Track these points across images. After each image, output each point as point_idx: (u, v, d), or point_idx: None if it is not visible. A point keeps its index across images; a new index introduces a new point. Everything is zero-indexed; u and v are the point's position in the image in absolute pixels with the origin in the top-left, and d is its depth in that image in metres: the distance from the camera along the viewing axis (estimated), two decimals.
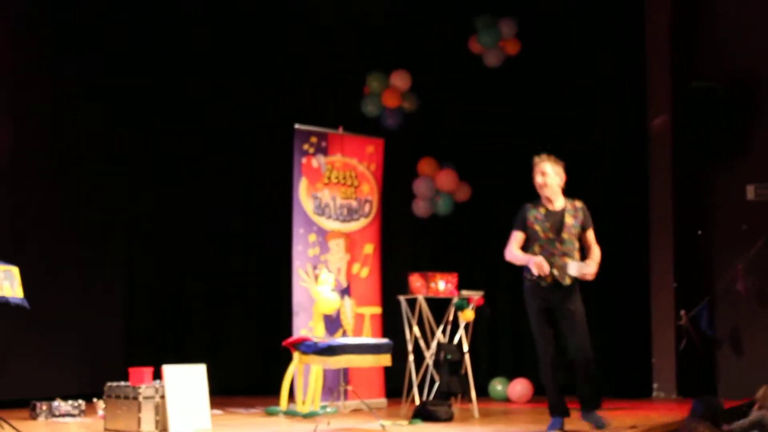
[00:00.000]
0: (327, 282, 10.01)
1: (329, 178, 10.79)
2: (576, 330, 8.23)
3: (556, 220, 8.24)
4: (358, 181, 11.04)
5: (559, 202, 8.32)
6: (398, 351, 9.51)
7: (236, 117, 12.23)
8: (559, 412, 8.41)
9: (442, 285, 10.11)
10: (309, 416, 9.50)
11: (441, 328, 10.17)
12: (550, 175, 8.26)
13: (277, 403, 9.94)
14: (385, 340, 9.27)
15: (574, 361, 8.33)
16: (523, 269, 8.30)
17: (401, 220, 12.08)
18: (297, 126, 10.62)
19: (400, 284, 10.42)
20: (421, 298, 10.11)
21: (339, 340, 9.23)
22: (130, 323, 11.68)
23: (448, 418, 9.35)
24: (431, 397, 10.00)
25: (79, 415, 9.59)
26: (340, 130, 10.92)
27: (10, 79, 10.54)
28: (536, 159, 8.35)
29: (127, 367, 8.95)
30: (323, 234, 10.64)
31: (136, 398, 8.47)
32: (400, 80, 12.10)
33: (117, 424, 8.55)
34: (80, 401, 9.69)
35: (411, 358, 10.13)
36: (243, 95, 12.24)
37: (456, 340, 10.14)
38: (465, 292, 10.11)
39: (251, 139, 12.31)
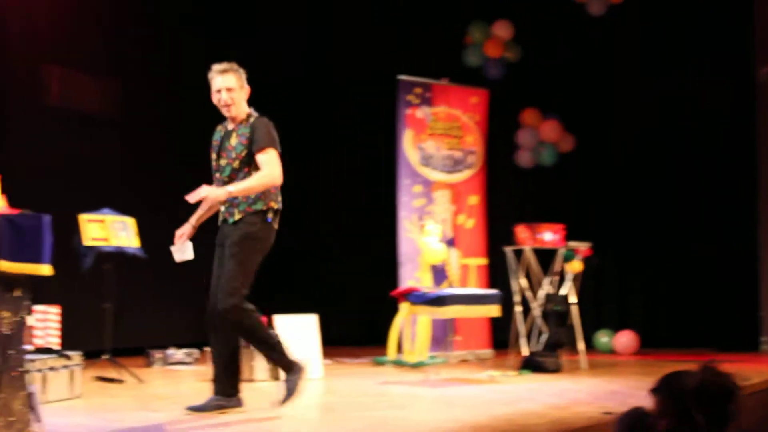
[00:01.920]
0: (433, 233, 10.03)
1: (434, 128, 10.78)
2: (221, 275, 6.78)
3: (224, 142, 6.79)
4: (463, 132, 11.02)
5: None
6: (504, 302, 9.49)
7: (339, 69, 12.25)
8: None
9: (549, 236, 10.05)
10: (417, 366, 9.56)
11: (548, 279, 10.13)
12: (235, 89, 6.68)
13: (384, 353, 10.02)
14: (493, 291, 9.26)
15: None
16: None
17: (505, 171, 12.02)
18: (401, 77, 10.62)
19: (505, 235, 10.40)
20: (527, 249, 10.08)
21: (448, 290, 9.24)
22: None
23: (557, 369, 9.35)
24: (538, 348, 9.99)
25: (192, 363, 9.78)
26: (445, 81, 10.89)
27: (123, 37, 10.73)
28: (212, 70, 6.72)
29: None
30: (428, 185, 10.65)
31: (248, 347, 8.58)
32: (503, 30, 12.00)
33: None
34: (193, 349, 9.88)
35: (517, 309, 10.12)
36: (346, 47, 12.24)
37: (563, 291, 10.10)
38: (572, 243, 10.04)
39: (355, 91, 12.31)
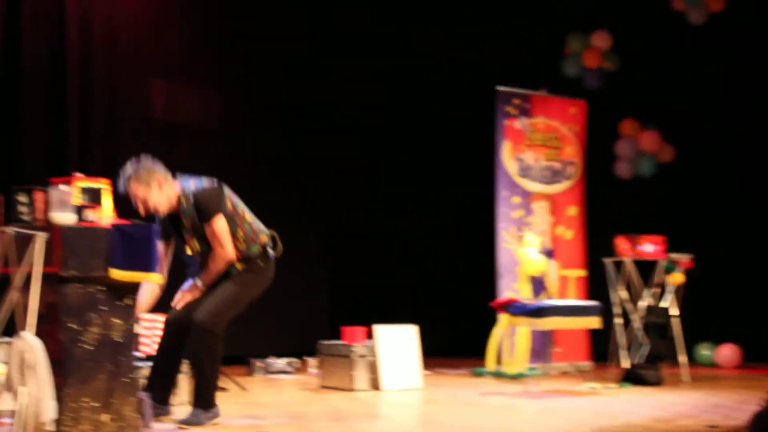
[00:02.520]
0: (532, 244, 10.00)
1: (532, 139, 10.76)
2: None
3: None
4: (561, 142, 10.98)
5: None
6: (603, 314, 9.41)
7: (438, 81, 12.28)
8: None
9: (650, 247, 9.96)
10: (517, 377, 9.54)
11: (649, 291, 10.01)
12: (149, 195, 6.52)
13: (483, 364, 10.01)
14: (594, 303, 9.19)
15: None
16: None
17: (604, 182, 11.92)
18: (499, 88, 10.62)
19: (604, 247, 10.32)
20: (628, 260, 9.99)
21: (548, 301, 9.20)
22: (335, 284, 11.96)
23: (658, 382, 9.26)
24: (638, 360, 9.89)
25: (292, 372, 9.87)
26: (543, 92, 10.86)
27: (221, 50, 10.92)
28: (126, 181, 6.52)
29: (336, 327, 9.16)
30: (527, 196, 10.63)
31: (349, 356, 8.67)
32: (601, 40, 11.93)
33: (332, 381, 8.77)
34: (294, 359, 9.99)
35: (617, 321, 10.03)
36: (444, 58, 12.26)
37: (664, 304, 9.99)
38: (673, 255, 9.93)
39: (454, 101, 12.32)
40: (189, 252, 6.90)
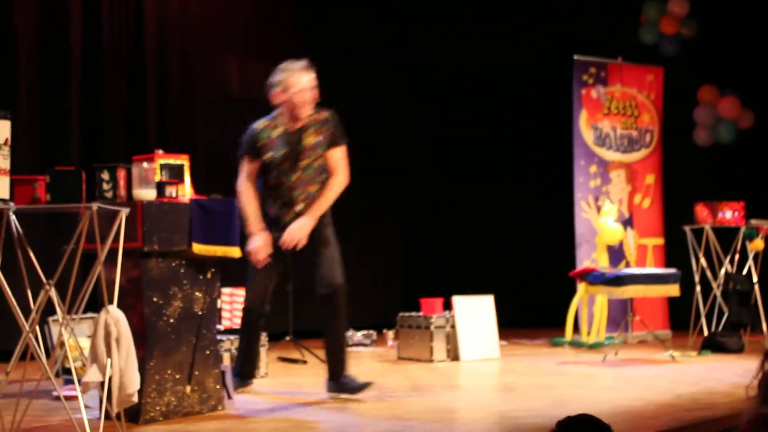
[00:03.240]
0: (610, 213, 9.95)
1: (609, 108, 10.69)
2: None
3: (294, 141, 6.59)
4: (639, 110, 10.89)
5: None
6: (683, 282, 9.35)
7: (515, 50, 12.22)
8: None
9: (730, 214, 9.87)
10: (595, 347, 9.53)
11: (729, 258, 9.93)
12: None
13: (561, 334, 10.01)
14: (672, 270, 9.14)
15: None
16: None
17: (682, 150, 11.79)
18: (576, 57, 10.57)
19: (682, 214, 10.25)
20: (707, 227, 9.90)
21: (626, 270, 9.18)
22: (412, 256, 12.01)
23: (739, 350, 9.19)
24: (720, 328, 9.82)
25: (370, 344, 9.96)
26: (620, 60, 10.78)
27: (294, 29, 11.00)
28: (293, 69, 6.59)
29: (416, 298, 9.21)
30: (604, 165, 10.57)
31: (428, 328, 8.73)
32: (678, 6, 11.77)
33: (409, 352, 8.84)
34: (371, 331, 10.07)
35: (698, 288, 9.96)
36: (521, 27, 12.20)
37: (745, 271, 9.89)
38: (754, 221, 9.83)
39: (530, 71, 12.26)
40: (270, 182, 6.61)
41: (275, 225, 6.58)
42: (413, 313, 8.94)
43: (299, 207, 6.56)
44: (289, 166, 6.52)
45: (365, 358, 9.18)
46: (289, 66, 6.55)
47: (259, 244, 6.51)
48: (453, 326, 8.81)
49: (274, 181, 6.56)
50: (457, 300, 8.90)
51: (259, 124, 6.61)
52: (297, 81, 6.50)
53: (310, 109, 6.51)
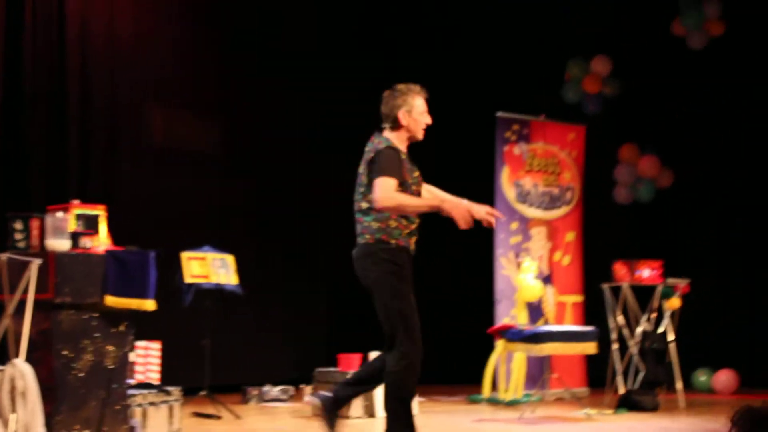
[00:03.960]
0: (530, 270, 10.01)
1: (531, 165, 10.78)
2: None
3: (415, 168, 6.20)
4: (560, 168, 11.01)
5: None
6: (601, 339, 9.41)
7: (438, 106, 12.27)
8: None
9: (647, 272, 9.97)
10: (512, 404, 9.54)
11: (645, 316, 10.02)
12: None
13: (479, 391, 10.01)
14: (590, 328, 9.21)
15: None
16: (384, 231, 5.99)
17: (603, 208, 11.93)
18: (499, 114, 10.66)
19: (601, 272, 10.33)
20: (625, 285, 9.99)
21: (544, 327, 9.22)
22: (334, 312, 11.94)
23: (654, 408, 9.26)
24: (636, 386, 9.89)
25: (287, 400, 9.87)
26: (542, 118, 10.90)
27: (222, 75, 10.98)
28: (418, 91, 6.25)
29: (330, 354, 9.17)
30: (525, 222, 10.64)
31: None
32: (601, 66, 11.97)
33: None
34: (288, 387, 9.99)
35: (615, 346, 10.03)
36: (445, 83, 12.27)
37: (661, 329, 9.99)
38: (671, 280, 9.94)
39: (453, 127, 12.33)
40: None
41: (407, 254, 6.10)
42: (330, 369, 8.89)
43: (416, 237, 6.12)
44: (417, 191, 6.11)
45: (282, 413, 9.09)
46: (411, 87, 6.24)
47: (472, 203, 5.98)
48: None
49: None
50: (374, 355, 8.84)
51: (393, 143, 6.09)
52: (419, 103, 6.21)
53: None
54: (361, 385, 6.36)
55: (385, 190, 5.79)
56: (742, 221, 11.72)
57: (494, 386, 9.97)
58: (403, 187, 5.89)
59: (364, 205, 5.99)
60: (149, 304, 6.12)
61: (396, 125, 6.10)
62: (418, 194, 6.05)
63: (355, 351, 9.09)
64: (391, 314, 5.98)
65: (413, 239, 6.06)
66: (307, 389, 9.76)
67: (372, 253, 5.97)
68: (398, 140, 6.10)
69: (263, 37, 11.35)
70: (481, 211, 5.96)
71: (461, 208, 5.90)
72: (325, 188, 11.76)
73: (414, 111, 6.12)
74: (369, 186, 5.92)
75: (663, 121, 12.12)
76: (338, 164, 11.96)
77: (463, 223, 5.88)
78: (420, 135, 6.18)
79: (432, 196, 6.21)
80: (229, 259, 8.78)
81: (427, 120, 6.17)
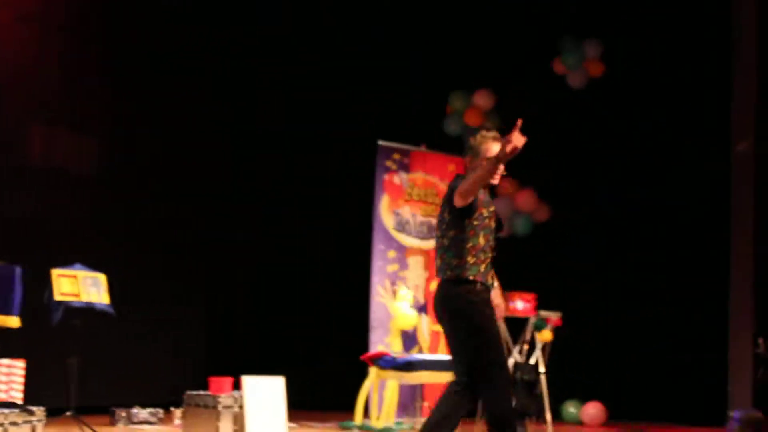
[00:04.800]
0: (405, 298, 10.05)
1: (411, 194, 10.86)
2: None
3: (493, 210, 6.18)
4: (439, 198, 11.07)
5: None
6: None
7: (320, 132, 12.32)
8: None
9: (521, 304, 10.10)
10: (383, 431, 9.53)
11: (518, 347, 10.15)
12: None
13: (351, 417, 9.99)
14: None
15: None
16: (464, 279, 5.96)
17: None
18: (380, 142, 10.72)
19: None
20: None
21: (417, 356, 9.26)
22: (210, 335, 11.83)
23: None
24: None
25: (156, 422, 9.72)
26: (423, 148, 10.99)
27: (99, 95, 10.84)
28: (490, 137, 6.33)
29: (206, 377, 9.06)
30: (403, 250, 10.70)
31: (215, 407, 8.57)
32: (483, 99, 12.13)
33: None
34: (158, 409, 9.84)
35: None
36: (327, 111, 12.32)
37: (532, 360, 10.11)
38: (543, 312, 10.08)
39: (334, 155, 12.36)
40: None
41: (487, 290, 6.02)
42: (201, 392, 8.77)
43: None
44: (488, 226, 6.05)
45: None
46: (486, 134, 6.30)
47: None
48: (241, 406, 8.67)
49: (484, 240, 5.99)
50: (247, 380, 8.78)
51: None
52: (491, 148, 6.18)
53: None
54: None
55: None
56: (615, 255, 11.97)
57: (366, 413, 9.97)
58: (478, 221, 5.92)
59: (446, 241, 6.02)
60: (13, 321, 5.99)
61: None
62: (490, 229, 6.01)
63: (228, 374, 8.99)
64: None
65: (488, 274, 6.03)
66: (177, 412, 9.62)
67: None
68: None
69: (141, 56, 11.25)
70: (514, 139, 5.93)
71: (509, 144, 5.90)
72: (202, 209, 11.69)
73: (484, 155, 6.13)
74: (449, 222, 5.96)
75: (541, 156, 12.29)
76: (219, 186, 11.95)
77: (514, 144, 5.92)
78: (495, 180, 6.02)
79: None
80: (101, 277, 8.62)
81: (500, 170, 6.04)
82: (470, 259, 5.93)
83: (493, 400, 5.85)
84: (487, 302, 5.95)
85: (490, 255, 6.03)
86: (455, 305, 5.98)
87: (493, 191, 5.94)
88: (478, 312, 5.89)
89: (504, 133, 5.99)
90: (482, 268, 5.95)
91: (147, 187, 11.19)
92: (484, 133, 6.31)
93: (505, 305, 6.24)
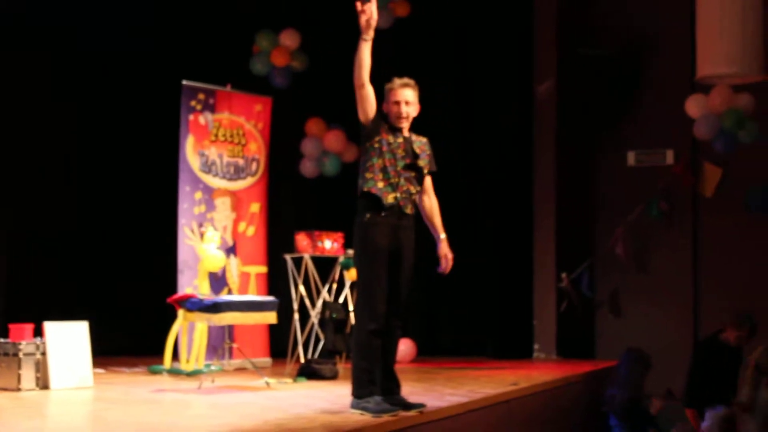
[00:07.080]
0: (213, 240, 9.93)
1: (216, 135, 10.72)
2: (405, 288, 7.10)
3: (409, 148, 6.84)
4: (246, 139, 10.99)
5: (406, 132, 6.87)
6: (283, 311, 9.50)
7: (123, 72, 12.02)
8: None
9: (329, 244, 10.13)
10: (193, 374, 9.47)
11: (327, 287, 10.19)
12: (412, 104, 6.85)
13: (160, 361, 9.87)
14: (270, 298, 9.25)
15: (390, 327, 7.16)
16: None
17: (288, 180, 12.02)
18: (185, 82, 10.53)
19: (286, 243, 10.41)
20: (307, 256, 10.11)
21: (224, 297, 9.20)
22: (10, 277, 11.43)
23: (333, 376, 9.41)
24: (316, 355, 10.04)
25: None
26: (228, 88, 10.85)
27: None
28: (394, 82, 6.92)
29: (8, 323, 8.78)
30: (209, 192, 10.57)
31: (16, 355, 8.34)
32: (290, 39, 12.02)
33: None
34: None
35: (296, 316, 10.14)
36: (131, 51, 12.00)
37: (341, 299, 10.18)
38: (351, 251, 10.12)
39: (138, 94, 12.07)
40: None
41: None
42: (1, 340, 8.51)
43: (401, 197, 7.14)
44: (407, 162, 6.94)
45: None
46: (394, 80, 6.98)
47: None
48: (44, 353, 8.45)
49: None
50: (49, 326, 8.56)
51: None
52: (392, 93, 6.97)
53: (406, 123, 6.93)
54: None
55: None
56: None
57: (176, 356, 9.87)
58: (380, 144, 6.97)
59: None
60: None
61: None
62: (396, 156, 6.91)
63: (31, 321, 8.73)
64: None
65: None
66: None
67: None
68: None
69: None
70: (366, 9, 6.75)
71: (362, 15, 6.79)
72: (12, 143, 11.28)
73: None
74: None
75: (349, 96, 12.27)
76: (28, 134, 11.53)
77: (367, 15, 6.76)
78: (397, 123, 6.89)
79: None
80: None
81: (393, 110, 6.94)
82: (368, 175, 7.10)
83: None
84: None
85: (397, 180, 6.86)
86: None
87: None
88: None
89: None
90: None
91: None
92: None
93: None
